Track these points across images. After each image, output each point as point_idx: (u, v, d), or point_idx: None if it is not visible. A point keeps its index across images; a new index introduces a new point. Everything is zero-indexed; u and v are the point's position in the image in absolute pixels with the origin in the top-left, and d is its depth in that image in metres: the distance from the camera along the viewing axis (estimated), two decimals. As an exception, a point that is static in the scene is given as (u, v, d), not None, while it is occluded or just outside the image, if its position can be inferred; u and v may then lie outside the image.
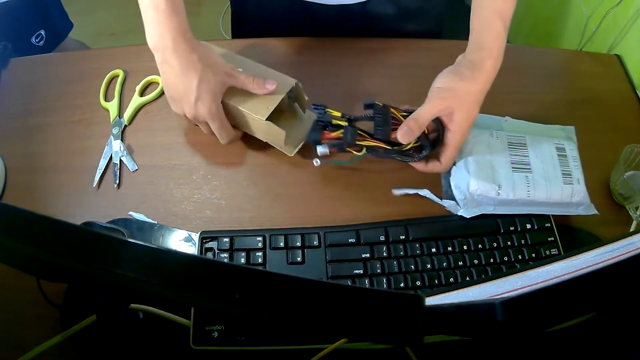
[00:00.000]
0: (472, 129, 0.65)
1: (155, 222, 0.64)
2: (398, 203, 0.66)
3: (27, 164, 0.69)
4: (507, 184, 0.62)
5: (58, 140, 0.71)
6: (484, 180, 0.62)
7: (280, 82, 0.67)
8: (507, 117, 0.69)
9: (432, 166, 0.64)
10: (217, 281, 0.31)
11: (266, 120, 0.63)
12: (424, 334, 0.30)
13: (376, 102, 0.62)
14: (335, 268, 0.60)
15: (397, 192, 0.66)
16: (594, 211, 0.63)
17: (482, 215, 0.63)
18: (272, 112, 0.64)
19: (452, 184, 0.65)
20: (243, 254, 0.60)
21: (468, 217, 0.62)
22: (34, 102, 0.75)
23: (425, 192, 0.66)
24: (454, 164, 0.66)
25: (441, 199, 0.65)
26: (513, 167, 0.63)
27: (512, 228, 0.62)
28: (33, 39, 1.00)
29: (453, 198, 0.65)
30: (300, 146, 0.68)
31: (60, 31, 1.11)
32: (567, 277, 0.41)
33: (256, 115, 0.64)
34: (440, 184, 0.67)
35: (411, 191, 0.66)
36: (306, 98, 0.69)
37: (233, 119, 0.69)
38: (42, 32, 1.02)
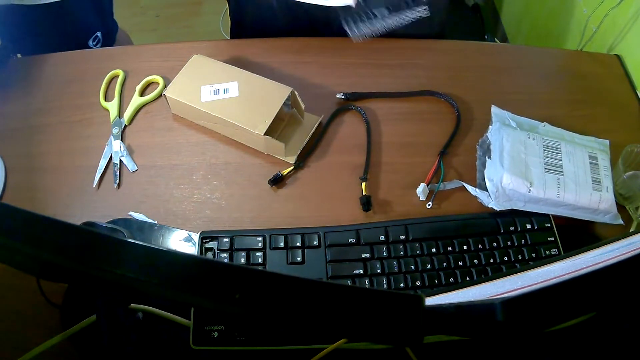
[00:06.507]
0: (511, 128, 0.66)
1: (155, 222, 0.64)
2: (398, 203, 0.66)
3: (27, 164, 0.69)
4: (538, 182, 0.63)
5: (58, 140, 0.71)
6: (517, 176, 0.63)
7: (276, 92, 0.68)
8: (545, 123, 0.71)
9: None
10: (217, 281, 0.31)
11: (265, 132, 0.64)
12: (424, 334, 0.30)
13: None
14: (335, 268, 0.60)
15: (428, 188, 0.66)
16: (619, 221, 0.64)
17: (482, 215, 0.63)
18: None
19: (485, 176, 0.66)
20: (243, 254, 0.60)
21: (498, 209, 0.63)
22: (34, 102, 0.75)
23: (459, 183, 0.66)
24: (489, 157, 0.67)
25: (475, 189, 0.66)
26: (546, 168, 0.65)
27: (512, 228, 0.62)
28: (90, 42, 0.96)
29: (486, 190, 0.65)
30: (300, 151, 0.69)
31: (111, 32, 1.06)
32: (567, 277, 0.41)
33: (254, 131, 0.65)
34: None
35: (450, 185, 0.67)
36: (302, 105, 0.69)
37: (232, 133, 0.70)
38: (99, 34, 0.96)
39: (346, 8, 0.44)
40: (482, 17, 1.78)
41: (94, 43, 0.97)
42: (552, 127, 0.70)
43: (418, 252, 0.60)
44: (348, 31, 0.44)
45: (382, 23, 0.42)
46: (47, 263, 0.36)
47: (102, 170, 0.68)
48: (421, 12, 0.42)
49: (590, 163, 0.66)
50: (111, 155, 0.69)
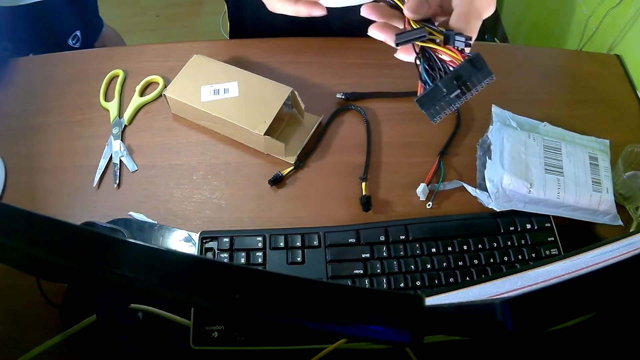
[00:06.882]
0: (511, 128, 0.66)
1: (155, 222, 0.64)
2: (398, 203, 0.66)
3: (27, 164, 0.69)
4: (539, 183, 0.63)
5: (58, 140, 0.71)
6: (517, 177, 0.63)
7: (276, 92, 0.68)
8: (545, 123, 0.71)
9: None
10: (217, 281, 0.31)
11: (265, 131, 0.64)
12: (424, 334, 0.30)
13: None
14: (335, 268, 0.60)
15: (428, 188, 0.66)
16: (619, 222, 0.64)
17: (482, 215, 0.63)
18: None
19: (485, 177, 0.66)
20: (243, 254, 0.60)
21: (498, 210, 0.63)
22: (34, 102, 0.75)
23: (459, 183, 0.66)
24: (489, 158, 0.66)
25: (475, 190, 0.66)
26: (546, 169, 0.65)
27: (512, 228, 0.62)
28: (70, 41, 0.96)
29: (486, 191, 0.65)
30: (300, 151, 0.69)
31: (94, 30, 1.05)
32: (567, 277, 0.41)
33: (254, 131, 0.65)
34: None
35: (450, 185, 0.67)
36: (302, 105, 0.69)
37: (232, 133, 0.70)
38: (78, 32, 0.96)
39: (424, 100, 0.42)
40: (482, 17, 1.78)
41: (74, 42, 0.96)
42: (553, 127, 0.70)
43: (418, 252, 0.60)
44: (427, 115, 0.43)
45: (457, 101, 0.41)
46: (47, 263, 0.36)
47: (102, 170, 0.68)
48: (490, 80, 0.40)
49: (590, 164, 0.66)
50: (111, 155, 0.69)
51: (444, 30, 0.39)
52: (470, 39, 0.39)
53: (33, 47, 0.82)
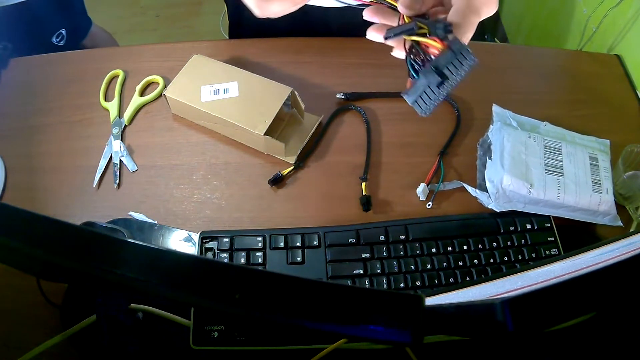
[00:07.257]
0: (512, 127, 0.66)
1: (155, 222, 0.64)
2: (398, 203, 0.66)
3: (27, 164, 0.69)
4: (539, 184, 0.63)
5: (58, 141, 0.71)
6: (517, 177, 0.63)
7: (276, 92, 0.68)
8: (546, 122, 0.71)
9: None
10: (217, 281, 0.31)
11: (265, 131, 0.65)
12: (424, 334, 0.30)
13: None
14: (335, 268, 0.60)
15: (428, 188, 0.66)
16: (619, 223, 0.64)
17: (482, 215, 0.63)
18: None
19: (486, 177, 0.66)
20: (243, 254, 0.60)
21: (498, 210, 0.63)
22: (34, 102, 0.75)
23: (459, 184, 0.66)
24: (489, 158, 0.66)
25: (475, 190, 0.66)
26: (546, 169, 0.65)
27: (512, 228, 0.62)
28: (54, 39, 0.96)
29: (486, 191, 0.65)
30: (300, 151, 0.69)
31: (80, 29, 1.06)
32: (567, 277, 0.41)
33: (254, 131, 0.65)
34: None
35: (450, 186, 0.67)
36: (302, 105, 0.69)
37: (232, 133, 0.69)
38: (63, 31, 0.97)
39: (409, 93, 0.41)
40: (482, 17, 1.78)
41: (58, 40, 0.96)
42: (553, 126, 0.70)
43: (418, 252, 0.60)
44: (416, 109, 0.42)
45: (443, 90, 0.40)
46: (47, 263, 0.36)
47: (102, 170, 0.68)
48: (472, 64, 0.39)
49: (590, 164, 0.66)
50: (111, 155, 0.69)
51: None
52: (450, 25, 0.38)
53: (16, 45, 0.82)
